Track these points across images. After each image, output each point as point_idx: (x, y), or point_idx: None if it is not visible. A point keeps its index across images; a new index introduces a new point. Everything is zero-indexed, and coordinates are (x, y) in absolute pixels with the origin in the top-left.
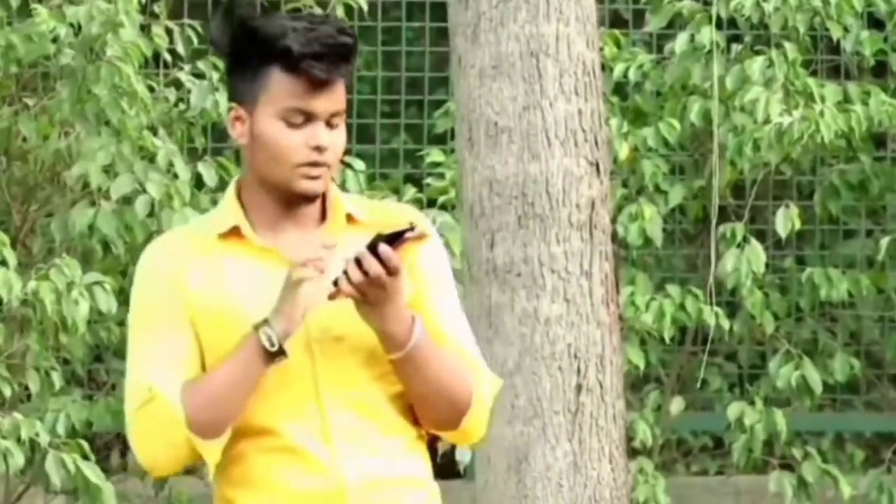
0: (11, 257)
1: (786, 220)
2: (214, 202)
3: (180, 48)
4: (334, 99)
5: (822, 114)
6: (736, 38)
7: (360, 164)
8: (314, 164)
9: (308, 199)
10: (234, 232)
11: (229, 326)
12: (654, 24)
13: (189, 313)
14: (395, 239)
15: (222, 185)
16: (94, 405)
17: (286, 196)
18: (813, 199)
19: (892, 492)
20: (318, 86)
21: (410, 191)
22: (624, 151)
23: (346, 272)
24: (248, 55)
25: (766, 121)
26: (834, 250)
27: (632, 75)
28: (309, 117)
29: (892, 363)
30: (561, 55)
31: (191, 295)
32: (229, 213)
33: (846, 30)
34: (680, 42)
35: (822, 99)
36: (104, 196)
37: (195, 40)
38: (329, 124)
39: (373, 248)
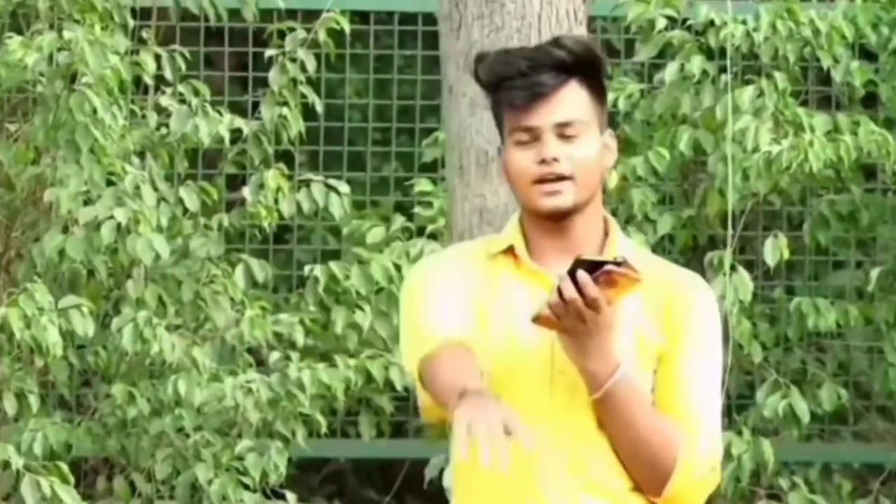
0: None
1: (774, 249)
2: (196, 227)
3: (168, 73)
4: (559, 110)
5: (811, 143)
6: (726, 69)
7: (344, 188)
8: (547, 180)
9: (559, 216)
10: (509, 252)
11: (488, 343)
12: (644, 53)
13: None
14: (596, 268)
15: (205, 210)
16: (75, 428)
17: (542, 220)
18: (802, 230)
19: None
20: (531, 101)
21: (399, 219)
22: (613, 180)
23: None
24: (492, 98)
25: (756, 150)
26: (823, 281)
27: (621, 105)
28: (534, 134)
29: (880, 394)
30: None
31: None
32: (509, 235)
33: (836, 60)
34: (669, 71)
35: (812, 129)
36: (75, 222)
37: (183, 66)
38: (563, 137)
39: (573, 274)
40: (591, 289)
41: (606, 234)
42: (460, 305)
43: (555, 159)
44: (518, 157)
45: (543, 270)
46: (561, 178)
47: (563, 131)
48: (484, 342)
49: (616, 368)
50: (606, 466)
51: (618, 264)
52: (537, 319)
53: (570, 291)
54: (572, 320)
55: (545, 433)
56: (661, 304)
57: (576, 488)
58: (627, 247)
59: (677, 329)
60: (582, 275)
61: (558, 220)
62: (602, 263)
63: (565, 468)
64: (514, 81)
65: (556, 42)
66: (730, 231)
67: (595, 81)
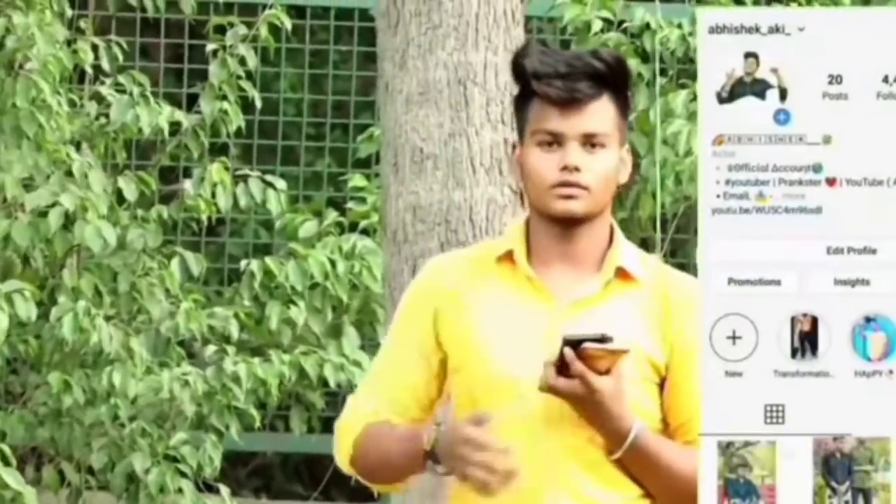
0: None
1: None
2: (134, 217)
3: (105, 64)
4: (589, 121)
5: None
6: (662, 72)
7: (281, 184)
8: (567, 185)
9: (569, 222)
10: (508, 257)
11: (472, 354)
12: None
13: (438, 338)
14: (580, 344)
15: (142, 201)
16: (8, 416)
17: (553, 223)
18: None
19: None
20: (563, 106)
21: (332, 214)
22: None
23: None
24: (519, 91)
25: (688, 153)
26: None
27: None
28: (559, 139)
29: None
30: (488, 84)
31: (446, 319)
32: (511, 238)
33: None
34: None
35: None
36: (21, 208)
37: (120, 56)
38: (587, 147)
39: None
40: (577, 365)
41: (611, 242)
42: (410, 368)
43: (577, 168)
44: (539, 159)
45: (539, 277)
46: (579, 186)
47: (589, 141)
48: (471, 356)
49: (629, 431)
50: (599, 480)
51: (602, 340)
52: (543, 389)
53: (551, 379)
54: (569, 398)
55: (534, 448)
56: (660, 315)
57: (568, 500)
58: (631, 254)
59: (681, 341)
60: (567, 352)
61: (567, 226)
62: (584, 340)
63: (557, 483)
64: (552, 81)
65: (595, 53)
66: (659, 234)
67: (623, 97)
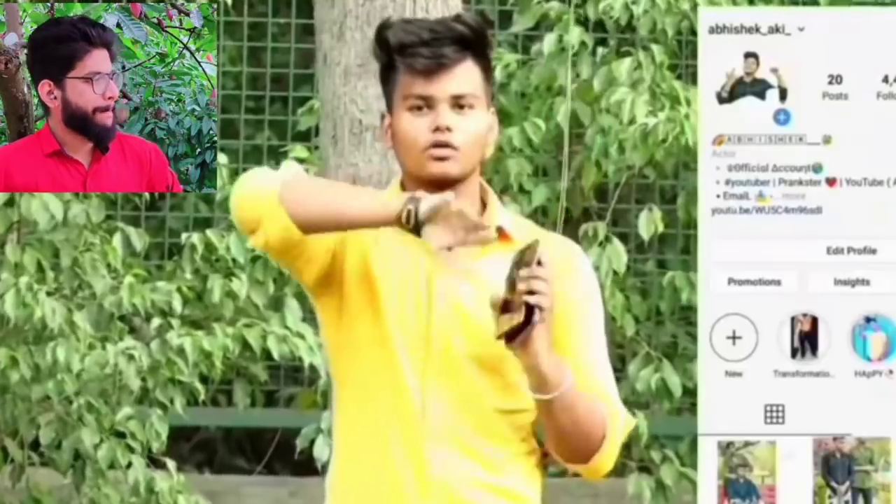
0: None
1: (648, 222)
2: (75, 193)
3: None
4: (457, 83)
5: (687, 116)
6: (604, 41)
7: (223, 158)
8: (439, 146)
9: (443, 184)
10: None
11: (365, 294)
12: (520, 24)
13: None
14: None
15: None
16: None
17: (427, 186)
18: (676, 203)
19: None
20: (430, 71)
21: None
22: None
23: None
24: (384, 64)
25: (632, 121)
26: (694, 255)
27: (498, 75)
28: (429, 103)
29: None
30: None
31: (350, 257)
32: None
33: None
34: (547, 43)
35: (688, 102)
36: None
37: None
38: (457, 108)
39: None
40: (520, 287)
41: (484, 205)
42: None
43: (448, 129)
44: (411, 123)
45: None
46: (450, 146)
47: (458, 103)
48: (363, 305)
49: (564, 374)
50: (486, 435)
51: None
52: (501, 337)
53: (540, 273)
54: (539, 293)
55: (420, 397)
56: None
57: (453, 452)
58: (505, 216)
59: (560, 299)
60: (530, 253)
61: (440, 188)
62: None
63: (445, 437)
64: (417, 49)
65: (458, 18)
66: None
67: (486, 60)
